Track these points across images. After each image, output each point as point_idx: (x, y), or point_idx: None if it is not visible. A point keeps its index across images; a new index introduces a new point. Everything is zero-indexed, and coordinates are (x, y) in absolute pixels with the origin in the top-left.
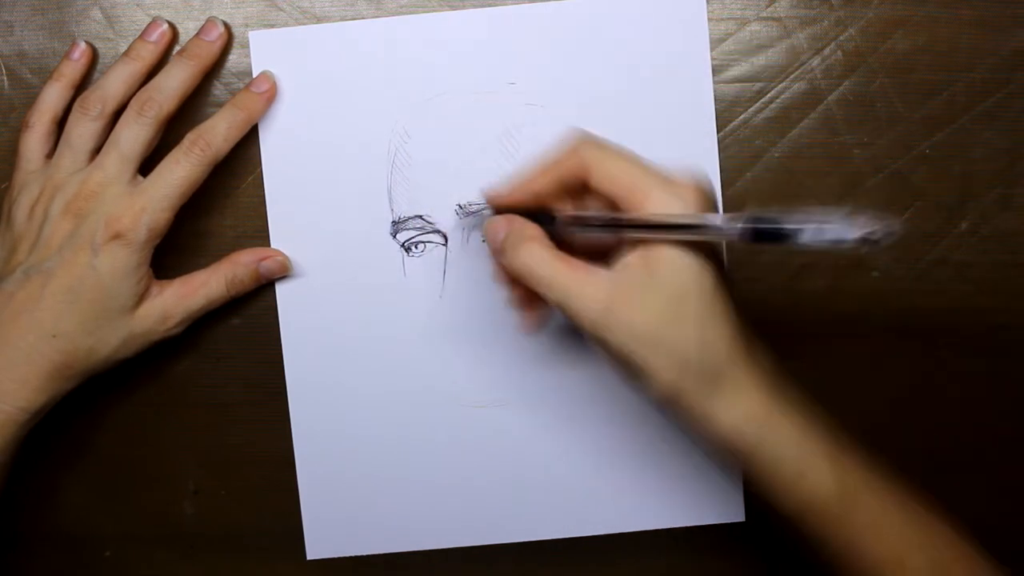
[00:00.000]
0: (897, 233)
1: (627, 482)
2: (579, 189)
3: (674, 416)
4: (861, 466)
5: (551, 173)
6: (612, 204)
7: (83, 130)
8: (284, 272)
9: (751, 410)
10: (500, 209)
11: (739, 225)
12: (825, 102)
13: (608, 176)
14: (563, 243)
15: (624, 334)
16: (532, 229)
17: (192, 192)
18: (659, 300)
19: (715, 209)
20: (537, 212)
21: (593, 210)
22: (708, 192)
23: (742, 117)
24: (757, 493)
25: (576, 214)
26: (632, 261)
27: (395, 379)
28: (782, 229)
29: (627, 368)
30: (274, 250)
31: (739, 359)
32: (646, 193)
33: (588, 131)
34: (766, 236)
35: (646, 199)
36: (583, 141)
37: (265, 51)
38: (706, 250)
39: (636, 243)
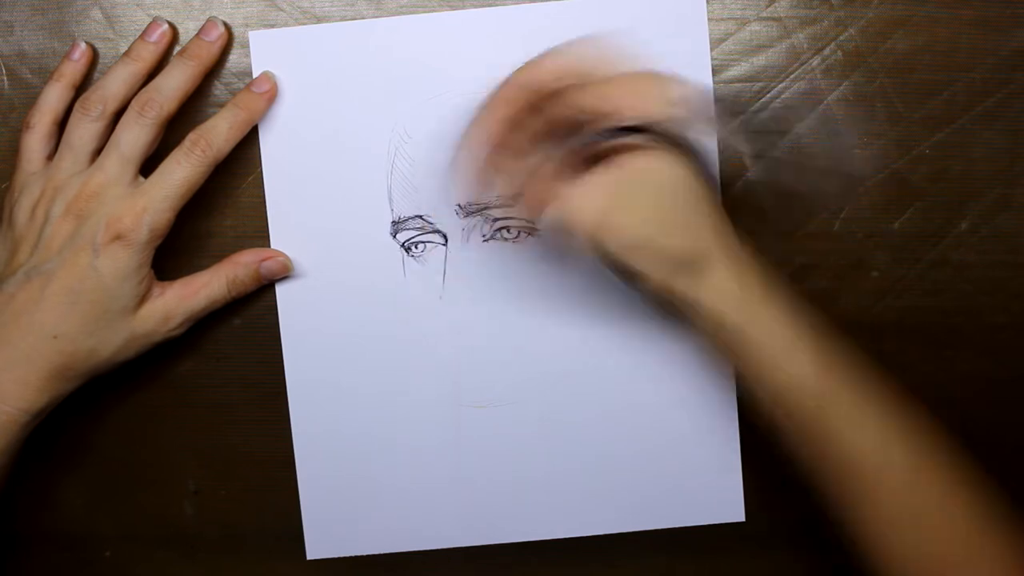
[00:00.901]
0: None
1: (627, 482)
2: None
3: (671, 310)
4: (842, 360)
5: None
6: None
7: (84, 131)
8: (285, 272)
9: (735, 294)
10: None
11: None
12: (825, 102)
13: (586, 86)
14: None
15: (618, 241)
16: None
17: (193, 192)
18: (647, 202)
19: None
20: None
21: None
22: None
23: (742, 117)
24: (743, 386)
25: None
26: (621, 165)
27: (395, 379)
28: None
29: (623, 271)
30: (275, 251)
31: (724, 248)
32: (622, 83)
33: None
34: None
35: (623, 95)
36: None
37: (265, 51)
38: (688, 151)
39: (622, 149)
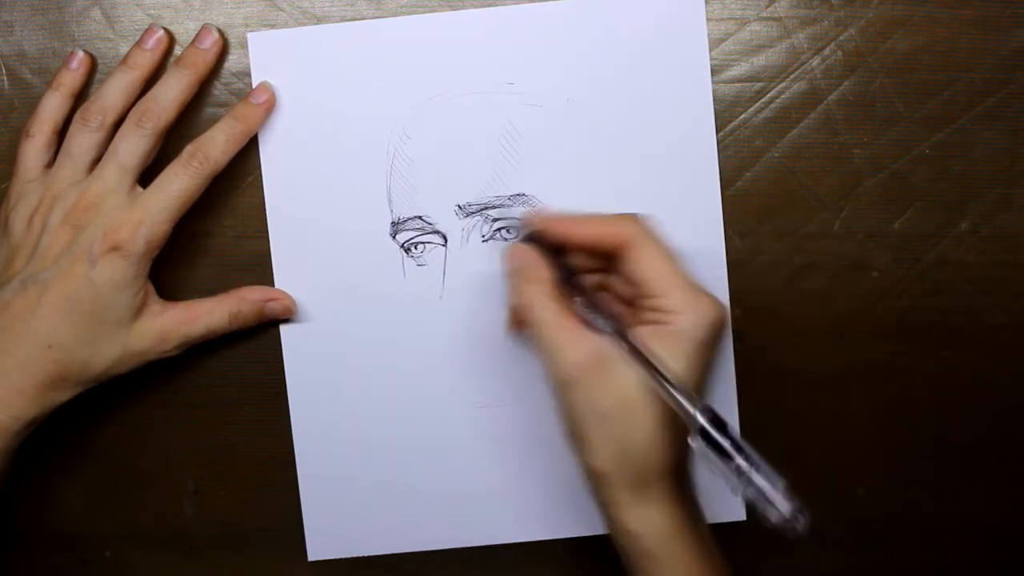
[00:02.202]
0: (803, 530)
1: None
2: (605, 258)
3: (591, 492)
4: None
5: (593, 228)
6: (632, 284)
7: (83, 141)
8: (288, 315)
9: (659, 528)
10: (530, 236)
11: (698, 417)
12: (825, 102)
13: (644, 259)
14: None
15: (582, 407)
16: (546, 272)
17: (191, 204)
18: (623, 392)
19: (723, 334)
20: (563, 261)
21: (616, 283)
22: (724, 317)
23: (742, 117)
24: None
25: (591, 302)
26: (618, 344)
27: (395, 379)
28: (726, 451)
29: (573, 434)
30: (282, 292)
31: (670, 476)
32: (669, 288)
33: (647, 216)
34: (711, 443)
35: (667, 294)
36: (637, 218)
37: (264, 52)
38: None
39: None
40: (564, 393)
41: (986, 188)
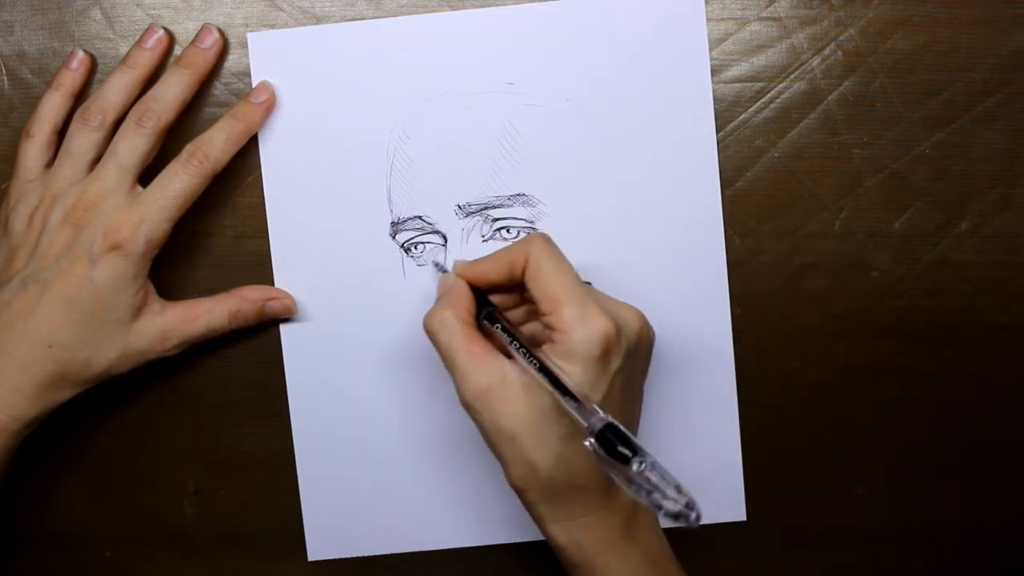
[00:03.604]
0: (695, 522)
1: None
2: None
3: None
4: None
5: (499, 260)
6: (535, 304)
7: (83, 140)
8: (288, 315)
9: (583, 540)
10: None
11: (596, 423)
12: (825, 102)
13: (538, 276)
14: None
15: (490, 424)
16: (463, 299)
17: (191, 203)
18: (531, 409)
19: (620, 347)
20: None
21: (524, 306)
22: (623, 333)
23: (742, 117)
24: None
25: (505, 327)
26: (522, 367)
27: (395, 379)
28: (620, 452)
29: (490, 448)
30: (282, 291)
31: (592, 489)
32: (559, 304)
33: (547, 235)
34: (606, 447)
35: (556, 311)
36: (536, 238)
37: (264, 52)
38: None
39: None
40: (471, 415)
41: (986, 188)
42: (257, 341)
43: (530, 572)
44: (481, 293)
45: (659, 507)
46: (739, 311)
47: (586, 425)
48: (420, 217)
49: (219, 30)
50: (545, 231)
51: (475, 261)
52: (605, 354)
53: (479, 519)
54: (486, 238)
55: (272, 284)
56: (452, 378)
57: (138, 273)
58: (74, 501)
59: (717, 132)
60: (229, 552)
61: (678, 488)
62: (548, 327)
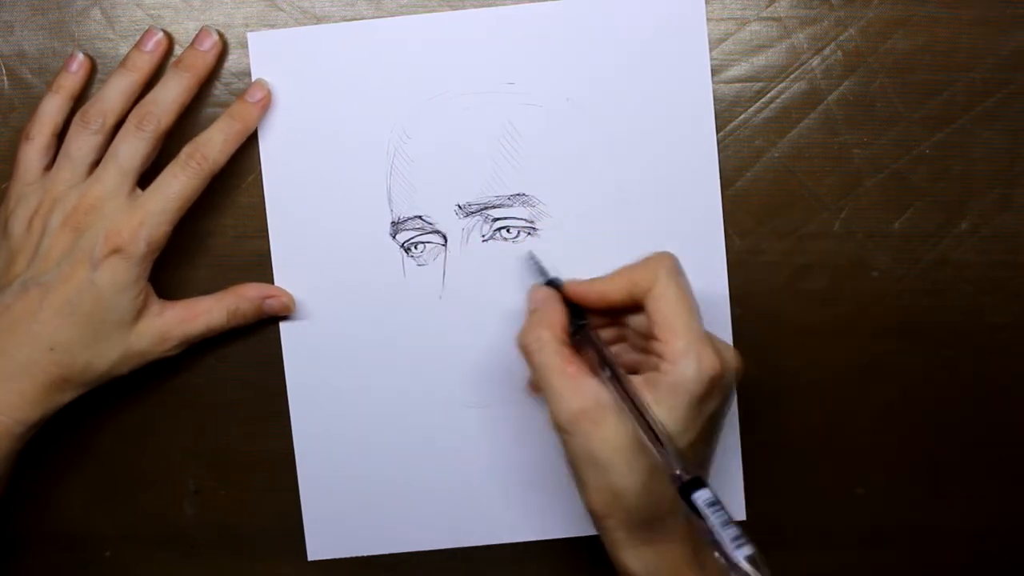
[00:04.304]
0: None
1: None
2: (625, 310)
3: (596, 529)
4: None
5: (621, 279)
6: (647, 327)
7: (83, 143)
8: (287, 312)
9: (656, 568)
10: (553, 281)
11: (678, 473)
12: (825, 102)
13: (662, 300)
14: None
15: (577, 452)
16: (559, 316)
17: (190, 204)
18: (614, 441)
19: (722, 389)
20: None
21: (631, 332)
22: (728, 371)
23: (742, 117)
24: None
25: (599, 349)
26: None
27: (395, 379)
28: (700, 512)
29: (573, 473)
30: (280, 289)
31: (670, 519)
32: (673, 336)
33: (675, 257)
34: (687, 500)
35: (670, 341)
36: (666, 259)
37: (264, 52)
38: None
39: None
40: (561, 437)
41: (986, 188)
42: (257, 341)
43: (530, 572)
44: (573, 306)
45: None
46: (739, 311)
47: (670, 470)
48: (420, 217)
49: (218, 32)
50: (545, 231)
51: (593, 281)
52: (707, 395)
53: (479, 519)
54: (486, 238)
55: (272, 283)
56: (547, 399)
57: (139, 276)
58: (74, 501)
59: (717, 132)
60: (229, 552)
61: (756, 560)
62: (650, 353)
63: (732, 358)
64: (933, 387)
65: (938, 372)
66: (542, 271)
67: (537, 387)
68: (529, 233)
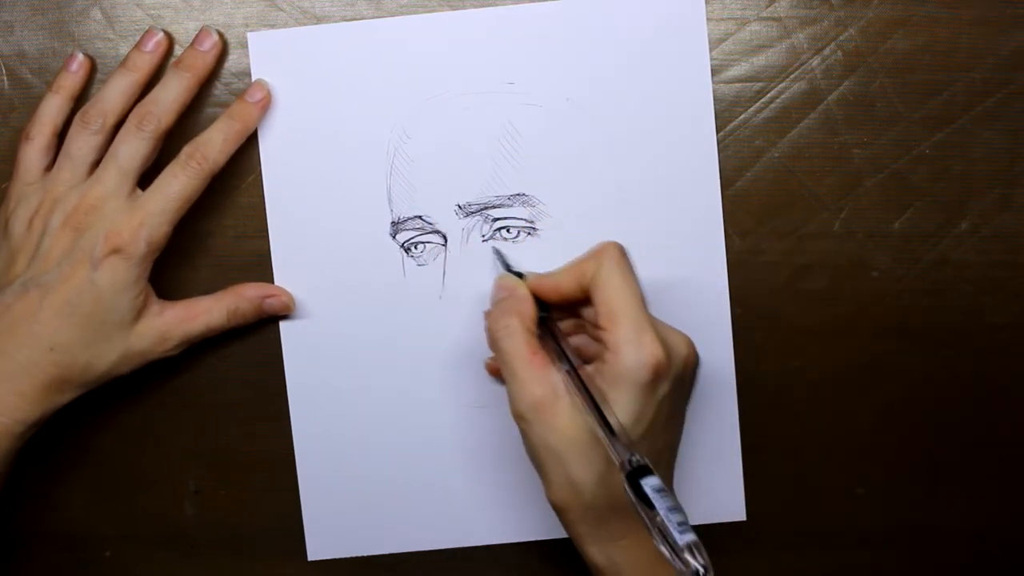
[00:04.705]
0: None
1: None
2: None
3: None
4: None
5: (571, 272)
6: (595, 317)
7: (83, 143)
8: (287, 312)
9: (621, 561)
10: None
11: (626, 461)
12: (825, 102)
13: (605, 287)
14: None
15: (538, 438)
16: (527, 306)
17: (190, 205)
18: (578, 428)
19: (669, 374)
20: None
21: (573, 319)
22: (672, 361)
23: (742, 117)
24: None
25: (556, 333)
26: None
27: (395, 379)
28: (647, 496)
29: (534, 465)
30: (280, 288)
31: (632, 513)
32: (617, 323)
33: (622, 245)
34: (635, 487)
35: (613, 330)
36: (611, 248)
37: (264, 52)
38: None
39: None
40: (520, 426)
41: (986, 188)
42: (257, 341)
43: (530, 572)
44: (536, 299)
45: (672, 560)
46: (739, 311)
47: (618, 459)
48: (420, 217)
49: (218, 32)
50: (545, 231)
51: (547, 275)
52: (654, 381)
53: (479, 519)
54: (486, 238)
55: (272, 283)
56: (508, 387)
57: (139, 276)
58: (74, 501)
59: (717, 132)
60: (229, 552)
61: (694, 548)
62: (601, 343)
63: (680, 344)
64: (933, 387)
65: (938, 372)
66: (507, 265)
67: (497, 371)
68: (529, 233)
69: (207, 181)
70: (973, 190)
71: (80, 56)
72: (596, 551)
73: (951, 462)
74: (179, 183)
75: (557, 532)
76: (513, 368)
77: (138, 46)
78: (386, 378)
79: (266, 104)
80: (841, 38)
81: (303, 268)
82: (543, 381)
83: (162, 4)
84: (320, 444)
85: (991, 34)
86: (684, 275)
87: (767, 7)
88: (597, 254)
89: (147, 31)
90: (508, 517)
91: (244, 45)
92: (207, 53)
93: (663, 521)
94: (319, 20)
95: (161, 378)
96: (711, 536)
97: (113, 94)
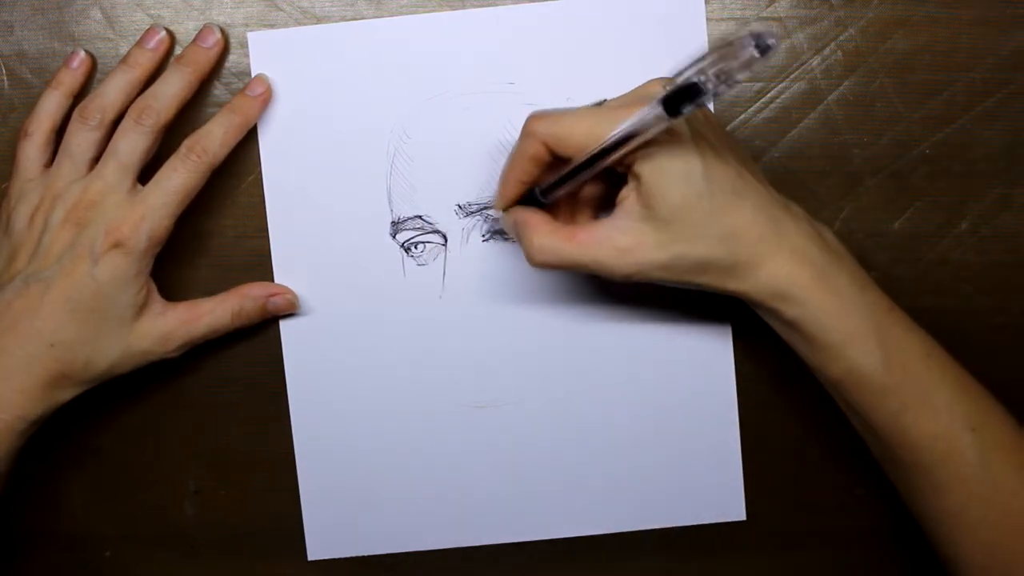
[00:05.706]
0: (777, 36)
1: (626, 481)
2: (555, 162)
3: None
4: (911, 339)
5: (520, 164)
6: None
7: (82, 139)
8: (292, 310)
9: (793, 278)
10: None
11: (658, 107)
12: (825, 102)
13: (562, 140)
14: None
15: (657, 270)
16: (529, 215)
17: (191, 199)
18: (667, 226)
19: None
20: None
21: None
22: (651, 92)
23: (742, 117)
24: (802, 359)
25: (548, 180)
26: (627, 196)
27: (395, 379)
28: (689, 84)
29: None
30: (283, 287)
31: (773, 233)
32: (594, 134)
33: (538, 108)
34: (682, 99)
35: (596, 138)
36: (533, 120)
37: (264, 51)
38: (684, 143)
39: (624, 177)
40: (639, 277)
41: (986, 188)
42: (258, 341)
43: (530, 572)
44: (530, 195)
45: (740, 67)
46: (739, 311)
47: (655, 103)
48: (420, 217)
49: (221, 30)
50: None
51: (502, 186)
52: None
53: (479, 519)
54: (486, 238)
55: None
56: (600, 272)
57: (140, 271)
58: (74, 501)
59: None
60: (229, 552)
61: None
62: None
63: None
64: None
65: None
66: (478, 211)
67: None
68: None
69: (207, 175)
70: (973, 190)
71: (82, 53)
72: (766, 285)
73: None
74: (179, 177)
75: (557, 532)
76: (589, 258)
77: (140, 43)
78: (386, 378)
79: (267, 99)
80: (841, 38)
81: (303, 268)
82: (612, 237)
83: (162, 4)
84: (320, 444)
85: (991, 34)
86: None
87: (767, 7)
88: (527, 132)
89: (149, 28)
90: (508, 517)
91: (244, 45)
92: (209, 50)
93: (714, 59)
94: (319, 20)
95: (162, 378)
96: (711, 536)
97: (112, 90)
